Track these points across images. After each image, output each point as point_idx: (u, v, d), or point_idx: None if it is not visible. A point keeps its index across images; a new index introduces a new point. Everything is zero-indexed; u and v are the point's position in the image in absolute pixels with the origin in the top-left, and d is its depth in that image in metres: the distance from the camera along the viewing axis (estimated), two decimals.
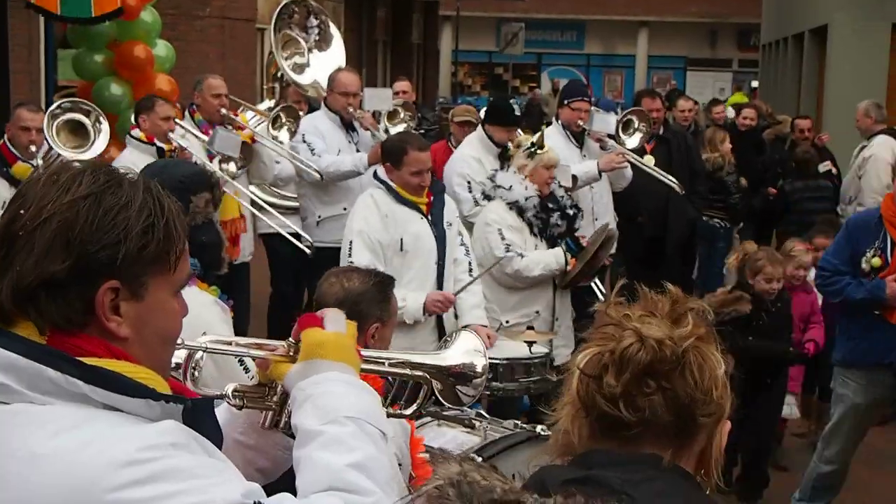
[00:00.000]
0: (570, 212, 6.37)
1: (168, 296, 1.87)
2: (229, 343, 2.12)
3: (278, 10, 8.46)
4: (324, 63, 8.31)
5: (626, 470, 1.54)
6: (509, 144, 7.09)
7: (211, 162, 6.72)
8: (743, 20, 36.38)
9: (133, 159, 6.33)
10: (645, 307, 1.64)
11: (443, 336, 5.50)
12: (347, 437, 1.91)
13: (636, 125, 8.15)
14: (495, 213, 6.28)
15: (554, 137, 7.79)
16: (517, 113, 7.51)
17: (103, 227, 1.76)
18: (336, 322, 2.09)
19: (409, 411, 2.35)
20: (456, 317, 5.75)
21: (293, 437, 1.99)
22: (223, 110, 7.19)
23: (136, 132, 6.69)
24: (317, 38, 8.45)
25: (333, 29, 8.57)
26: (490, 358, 5.09)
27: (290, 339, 2.08)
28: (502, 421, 4.45)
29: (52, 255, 1.74)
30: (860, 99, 11.02)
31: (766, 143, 11.00)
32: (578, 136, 7.84)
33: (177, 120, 6.77)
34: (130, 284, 1.80)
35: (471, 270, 5.90)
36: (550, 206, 6.29)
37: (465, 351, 2.35)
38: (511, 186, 6.28)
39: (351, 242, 5.53)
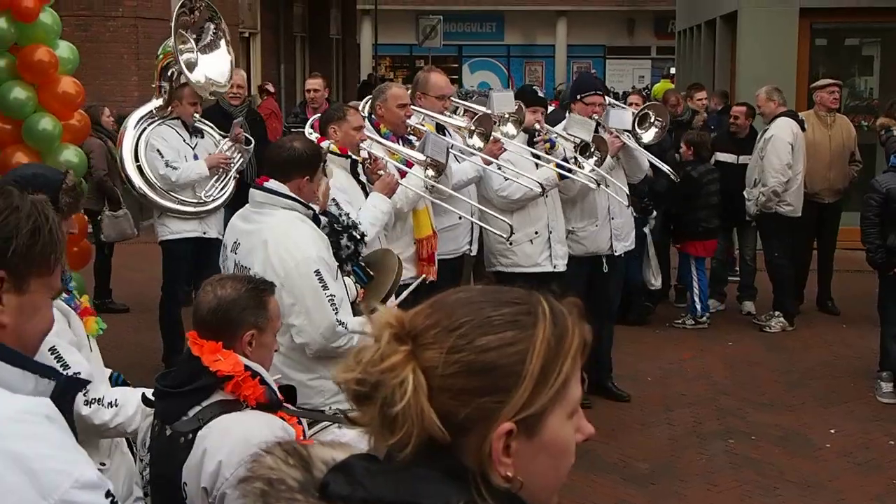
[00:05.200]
0: (357, 234, 5.48)
1: (46, 296, 2.10)
2: None
3: (179, 4, 8.34)
4: (210, 62, 8.21)
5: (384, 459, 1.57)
6: (536, 125, 7.38)
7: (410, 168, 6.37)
8: (659, 7, 36.74)
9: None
10: (376, 325, 1.60)
11: None
12: None
13: (652, 119, 7.92)
14: None
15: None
16: (539, 94, 7.85)
17: None
18: None
19: None
20: None
21: None
22: (409, 121, 6.77)
23: (325, 143, 6.13)
24: (207, 42, 8.34)
25: (224, 41, 8.43)
26: None
27: None
28: None
29: None
30: (770, 82, 11.16)
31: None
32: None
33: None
34: (15, 277, 2.02)
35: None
36: (336, 227, 5.45)
37: None
38: None
39: (318, 272, 4.71)
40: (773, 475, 6.81)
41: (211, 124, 8.65)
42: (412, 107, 6.83)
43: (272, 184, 4.86)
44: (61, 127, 8.07)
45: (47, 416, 1.87)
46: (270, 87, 17.33)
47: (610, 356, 8.28)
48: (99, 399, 3.76)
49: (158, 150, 8.19)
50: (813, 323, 10.56)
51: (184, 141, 8.30)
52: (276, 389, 3.34)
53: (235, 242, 4.91)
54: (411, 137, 6.75)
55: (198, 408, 3.21)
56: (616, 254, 7.97)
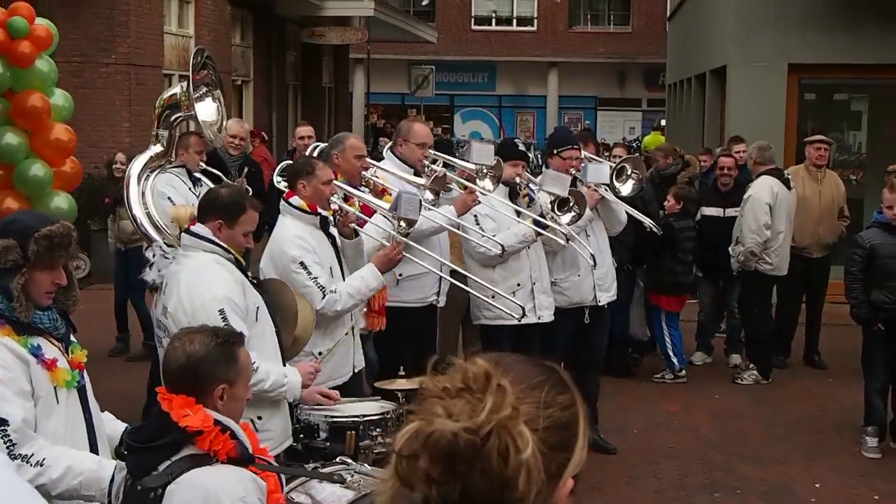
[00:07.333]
0: None
1: None
2: None
3: (193, 57, 8.40)
4: (202, 108, 8.28)
5: None
6: (517, 179, 7.38)
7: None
8: (650, 60, 37.05)
9: (296, 231, 5.90)
10: (463, 377, 1.57)
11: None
12: None
13: (629, 172, 7.96)
14: None
15: None
16: (521, 148, 7.89)
17: None
18: None
19: None
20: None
21: None
22: (365, 173, 6.80)
23: (294, 200, 6.01)
24: (197, 95, 8.38)
25: (211, 98, 8.48)
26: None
27: None
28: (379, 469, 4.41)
29: None
30: (759, 137, 11.24)
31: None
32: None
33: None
34: None
35: None
36: None
37: None
38: None
39: (223, 311, 4.74)
40: None
41: (214, 170, 8.63)
42: (367, 159, 6.90)
43: (198, 228, 4.97)
44: (52, 173, 8.10)
45: None
46: (264, 135, 17.35)
47: (595, 408, 8.28)
48: (25, 456, 3.57)
49: (169, 198, 8.20)
50: (800, 376, 10.56)
51: (189, 189, 8.33)
52: (247, 444, 3.34)
53: (164, 285, 5.06)
54: (364, 189, 6.77)
55: (167, 462, 3.20)
56: (599, 304, 7.99)
